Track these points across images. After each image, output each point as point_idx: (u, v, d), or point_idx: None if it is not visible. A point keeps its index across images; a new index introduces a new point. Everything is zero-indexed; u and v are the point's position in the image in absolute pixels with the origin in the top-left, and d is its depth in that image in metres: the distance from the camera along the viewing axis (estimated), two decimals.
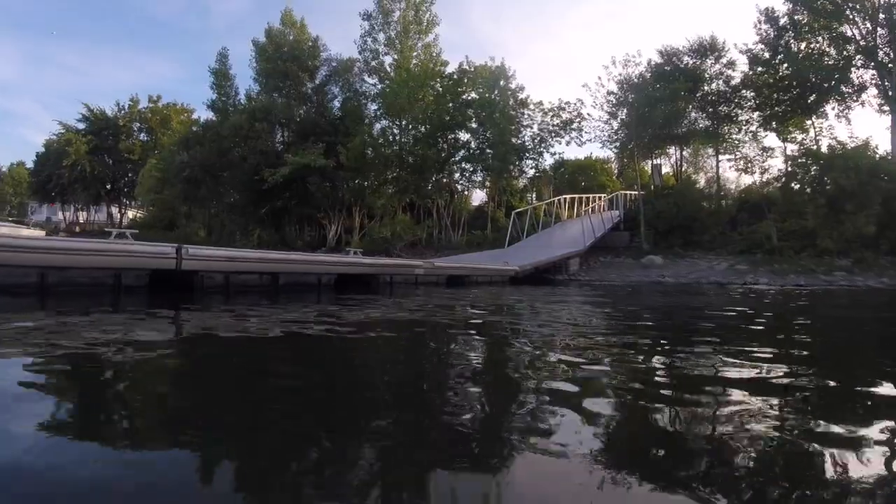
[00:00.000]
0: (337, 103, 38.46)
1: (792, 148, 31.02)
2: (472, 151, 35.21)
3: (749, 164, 32.48)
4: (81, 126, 56.14)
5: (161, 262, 7.58)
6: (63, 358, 3.23)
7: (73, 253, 6.87)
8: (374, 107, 37.36)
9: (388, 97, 33.81)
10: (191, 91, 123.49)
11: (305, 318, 5.72)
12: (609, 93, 32.84)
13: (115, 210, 60.69)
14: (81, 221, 63.03)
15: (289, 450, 1.99)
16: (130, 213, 60.61)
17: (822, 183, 26.67)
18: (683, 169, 40.72)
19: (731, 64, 33.10)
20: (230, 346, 4.01)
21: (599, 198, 33.67)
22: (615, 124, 33.55)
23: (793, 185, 28.89)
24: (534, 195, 39.79)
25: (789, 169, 29.28)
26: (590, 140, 36.84)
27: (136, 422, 2.30)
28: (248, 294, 8.61)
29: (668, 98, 30.34)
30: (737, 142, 33.73)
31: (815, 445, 2.14)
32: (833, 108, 30.45)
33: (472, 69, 35.08)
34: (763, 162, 32.17)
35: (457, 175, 36.88)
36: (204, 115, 44.95)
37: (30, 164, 66.77)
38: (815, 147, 29.43)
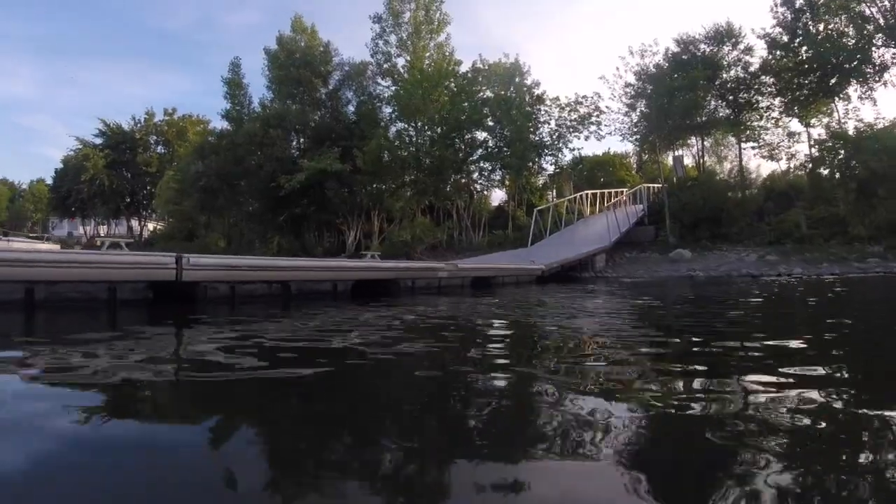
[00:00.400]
0: (352, 108, 37.93)
1: (819, 132, 29.95)
2: (489, 150, 34.39)
3: (775, 151, 31.44)
4: (99, 141, 56.28)
5: (160, 273, 6.92)
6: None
7: (62, 266, 6.22)
8: (388, 110, 36.79)
9: (401, 99, 33.11)
10: (206, 103, 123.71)
11: (315, 333, 5.07)
12: (627, 84, 32.01)
13: (135, 223, 60.34)
14: (102, 235, 62.88)
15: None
16: (151, 226, 60.33)
17: (850, 167, 25.71)
18: (705, 160, 39.63)
19: (748, 50, 32.01)
20: (232, 365, 3.37)
21: (621, 192, 32.82)
22: (634, 116, 32.61)
23: (821, 170, 27.92)
24: (554, 192, 38.83)
25: (816, 153, 28.26)
26: (609, 133, 35.78)
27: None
28: (256, 304, 7.98)
29: (686, 87, 29.37)
30: (759, 129, 32.62)
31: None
32: (855, 90, 29.32)
33: (487, 67, 34.43)
34: (789, 147, 31.13)
35: (475, 175, 36.20)
36: (220, 125, 44.27)
37: (50, 181, 66.70)
38: (840, 130, 28.38)
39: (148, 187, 56.55)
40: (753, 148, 32.89)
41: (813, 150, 28.98)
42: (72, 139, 68.14)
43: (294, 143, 37.36)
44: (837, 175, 26.71)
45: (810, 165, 28.85)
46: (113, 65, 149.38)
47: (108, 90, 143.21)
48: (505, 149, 32.98)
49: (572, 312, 7.88)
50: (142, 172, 56.05)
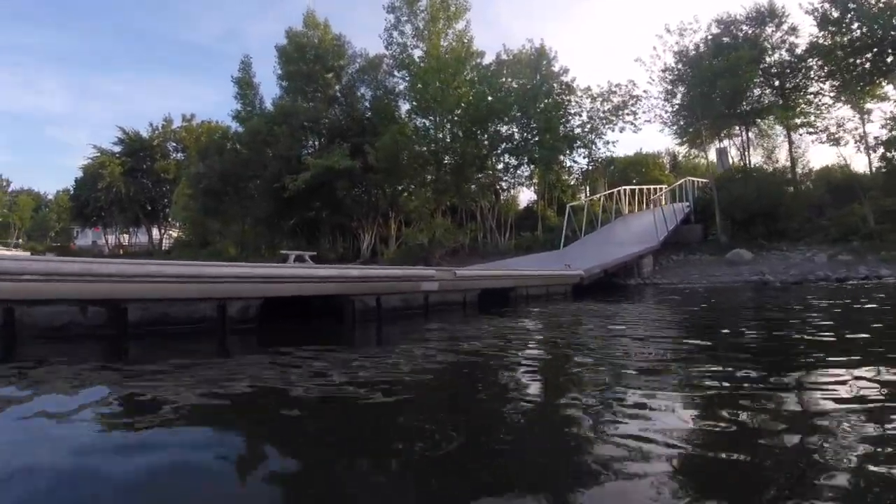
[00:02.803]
0: (367, 104, 34.06)
1: (887, 109, 25.62)
2: (516, 143, 30.39)
3: (837, 134, 27.05)
4: (118, 149, 53.64)
5: None
6: None
7: None
8: (406, 106, 32.88)
9: (417, 91, 29.37)
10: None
11: None
12: (665, 68, 28.06)
13: (156, 231, 57.51)
14: (125, 244, 60.61)
15: None
16: (174, 234, 57.49)
17: None
18: (750, 152, 35.23)
19: (793, 30, 27.98)
20: None
21: (662, 188, 28.75)
22: (675, 103, 28.68)
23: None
24: (587, 191, 34.77)
25: (888, 135, 23.98)
26: (648, 121, 31.30)
27: None
28: (71, 341, 4.54)
29: (729, 69, 25.34)
30: (813, 114, 28.39)
31: None
32: None
33: (511, 57, 30.66)
34: (855, 129, 26.64)
35: (500, 169, 32.02)
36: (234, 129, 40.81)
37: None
38: None
39: (169, 195, 53.79)
40: (811, 133, 28.55)
41: (884, 130, 24.69)
42: (89, 147, 64.96)
43: (309, 142, 33.78)
44: None
45: (883, 147, 24.52)
46: (143, 78, 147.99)
47: (138, 103, 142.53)
48: (531, 142, 29.07)
49: None
50: (161, 180, 53.16)
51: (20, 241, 68.99)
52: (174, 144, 54.57)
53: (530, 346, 5.47)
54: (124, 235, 62.56)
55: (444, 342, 5.60)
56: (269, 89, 72.31)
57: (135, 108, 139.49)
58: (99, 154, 54.12)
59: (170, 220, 56.43)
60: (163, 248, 53.95)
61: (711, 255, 21.84)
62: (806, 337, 5.59)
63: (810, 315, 7.88)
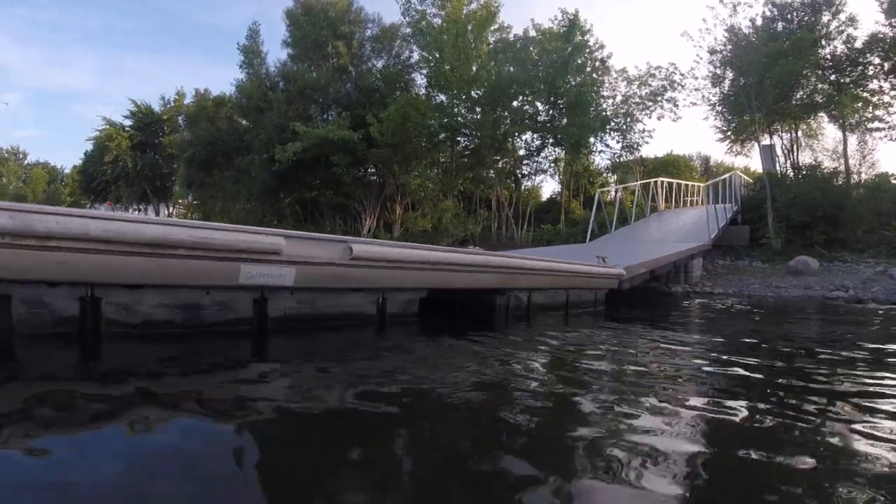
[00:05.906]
0: (378, 76, 30.04)
1: None
2: (540, 122, 26.39)
3: None
4: (129, 122, 50.30)
5: None
6: None
7: None
8: (421, 81, 28.99)
9: (434, 60, 25.45)
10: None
11: None
12: (712, 51, 24.06)
13: (165, 208, 54.29)
14: None
15: None
16: (184, 210, 54.35)
17: None
18: (796, 152, 30.97)
19: (852, 20, 23.87)
20: None
21: (708, 182, 24.82)
22: (722, 89, 24.85)
23: None
24: (616, 184, 30.74)
25: None
26: (694, 103, 27.19)
27: None
28: None
29: (786, 53, 21.31)
30: (876, 111, 24.47)
31: None
32: None
33: (540, 33, 26.66)
34: None
35: (521, 152, 27.99)
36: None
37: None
38: None
39: (177, 171, 50.53)
40: (879, 130, 24.67)
41: None
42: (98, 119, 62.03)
43: (314, 114, 29.61)
44: None
45: None
46: (170, 58, 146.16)
47: (165, 84, 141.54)
48: (559, 121, 25.11)
49: None
50: (170, 155, 49.72)
51: None
52: (185, 118, 51.24)
53: None
54: (136, 212, 59.59)
55: None
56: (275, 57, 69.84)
57: (161, 88, 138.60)
58: (107, 126, 50.78)
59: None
60: None
61: (763, 262, 17.96)
62: None
63: None
